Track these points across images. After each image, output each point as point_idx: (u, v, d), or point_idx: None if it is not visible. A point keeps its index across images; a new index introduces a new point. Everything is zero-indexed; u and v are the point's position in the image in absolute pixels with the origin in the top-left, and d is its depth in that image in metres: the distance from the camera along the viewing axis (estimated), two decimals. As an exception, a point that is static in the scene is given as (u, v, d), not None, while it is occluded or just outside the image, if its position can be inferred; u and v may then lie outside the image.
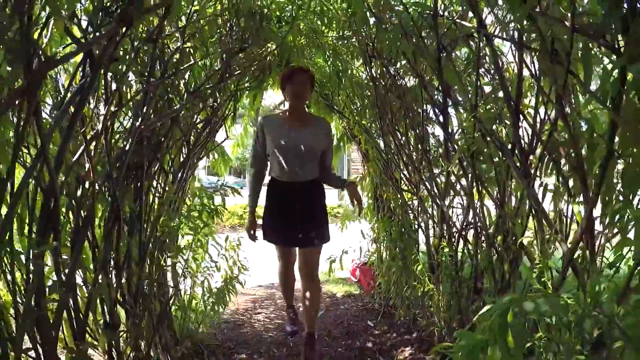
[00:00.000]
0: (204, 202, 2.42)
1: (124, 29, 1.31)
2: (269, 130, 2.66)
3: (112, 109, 1.54)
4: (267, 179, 2.79)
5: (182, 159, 2.45)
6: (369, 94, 3.17)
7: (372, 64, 2.78)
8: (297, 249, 2.82)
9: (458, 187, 2.29)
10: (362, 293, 4.46)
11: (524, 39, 1.50)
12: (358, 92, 3.32)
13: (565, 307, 1.02)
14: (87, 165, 1.44)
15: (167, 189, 2.27)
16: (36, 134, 1.30)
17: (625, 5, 1.03)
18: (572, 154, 1.30)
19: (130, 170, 1.78)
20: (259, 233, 2.79)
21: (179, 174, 2.40)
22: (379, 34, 2.39)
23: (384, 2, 2.12)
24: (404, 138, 2.79)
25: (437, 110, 2.18)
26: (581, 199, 1.29)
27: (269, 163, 2.74)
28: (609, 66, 1.11)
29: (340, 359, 2.82)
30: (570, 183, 1.46)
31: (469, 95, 1.81)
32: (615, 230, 1.35)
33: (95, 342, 1.67)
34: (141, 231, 1.87)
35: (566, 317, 1.04)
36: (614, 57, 1.11)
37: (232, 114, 3.02)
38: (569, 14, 1.15)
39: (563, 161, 1.47)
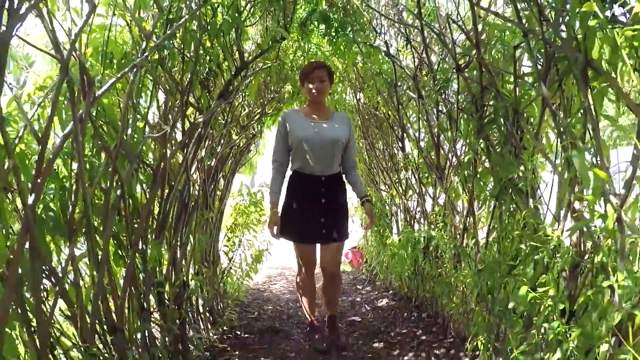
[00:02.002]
0: (250, 195, 3.41)
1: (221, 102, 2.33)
2: (291, 125, 2.60)
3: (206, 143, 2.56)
4: (288, 173, 2.74)
5: (231, 168, 3.47)
6: (357, 118, 4.21)
7: (359, 99, 3.83)
8: (317, 246, 2.69)
9: (415, 187, 3.35)
10: (354, 269, 5.52)
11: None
12: (349, 115, 4.37)
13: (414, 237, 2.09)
14: (195, 175, 2.46)
15: (221, 187, 3.29)
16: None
17: None
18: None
19: (211, 177, 2.81)
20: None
21: (230, 178, 3.42)
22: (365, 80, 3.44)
23: (367, 70, 3.17)
24: (380, 154, 3.85)
25: (398, 138, 3.24)
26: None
27: (291, 157, 2.68)
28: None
29: (339, 309, 3.85)
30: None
31: (415, 133, 2.86)
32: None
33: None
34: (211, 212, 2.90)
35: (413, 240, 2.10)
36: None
37: (259, 135, 4.03)
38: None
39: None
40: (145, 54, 1.54)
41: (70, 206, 1.37)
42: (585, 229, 1.36)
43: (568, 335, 1.38)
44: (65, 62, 1.22)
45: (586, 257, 1.47)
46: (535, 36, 1.49)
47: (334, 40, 3.14)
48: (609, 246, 1.27)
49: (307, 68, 2.63)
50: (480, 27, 1.97)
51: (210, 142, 2.60)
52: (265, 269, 5.62)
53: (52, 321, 1.38)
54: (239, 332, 3.06)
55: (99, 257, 1.43)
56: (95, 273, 1.47)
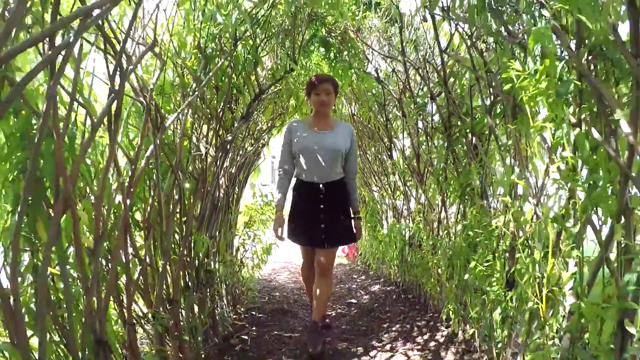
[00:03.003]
0: (263, 196, 3.92)
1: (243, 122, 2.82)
2: (296, 134, 2.66)
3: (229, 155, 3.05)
4: (293, 180, 2.82)
5: (244, 174, 3.96)
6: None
7: (353, 113, 4.33)
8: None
9: (401, 188, 3.86)
10: (350, 262, 6.04)
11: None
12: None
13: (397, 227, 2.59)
14: (222, 181, 2.95)
15: (237, 191, 3.78)
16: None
17: None
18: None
19: (232, 182, 3.30)
20: (285, 233, 2.77)
21: (244, 183, 3.91)
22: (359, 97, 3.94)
23: (360, 89, 3.67)
24: (372, 160, 4.36)
25: (387, 148, 3.75)
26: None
27: (296, 165, 2.74)
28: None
29: (338, 293, 4.36)
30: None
31: (400, 144, 3.37)
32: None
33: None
34: (231, 212, 3.39)
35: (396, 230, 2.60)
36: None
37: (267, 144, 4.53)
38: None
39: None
40: (196, 93, 2.04)
41: (149, 208, 1.85)
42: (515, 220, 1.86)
43: (505, 297, 1.88)
44: (148, 106, 1.71)
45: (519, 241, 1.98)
46: (484, 81, 2.00)
47: (333, 64, 3.64)
48: (531, 233, 1.78)
49: (313, 81, 2.63)
50: (452, 63, 2.49)
51: (231, 154, 3.09)
52: (271, 263, 6.11)
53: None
54: (254, 313, 3.56)
55: (165, 247, 1.92)
56: (160, 261, 1.96)
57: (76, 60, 1.15)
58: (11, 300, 1.09)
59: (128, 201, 1.61)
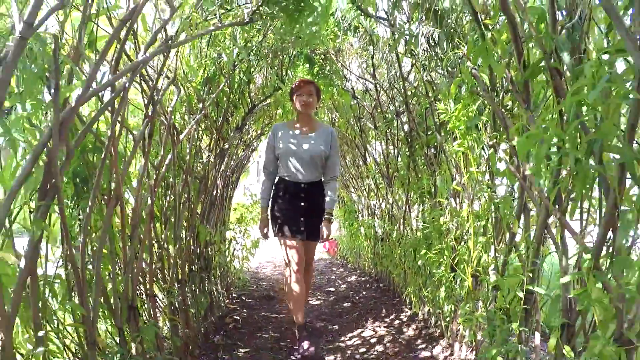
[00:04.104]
0: (252, 195, 4.34)
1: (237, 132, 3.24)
2: (280, 136, 2.75)
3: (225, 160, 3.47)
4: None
5: (236, 176, 4.37)
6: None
7: (334, 122, 4.78)
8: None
9: (375, 190, 4.33)
10: (330, 257, 6.49)
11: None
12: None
13: (369, 222, 3.06)
14: (218, 182, 3.36)
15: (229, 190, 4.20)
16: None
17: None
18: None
19: (226, 181, 3.71)
20: (270, 232, 2.87)
21: (235, 183, 4.33)
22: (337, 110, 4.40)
23: (340, 102, 4.13)
24: (350, 164, 4.82)
25: (362, 154, 4.21)
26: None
27: (279, 165, 2.79)
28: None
29: (318, 283, 4.80)
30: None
31: (373, 152, 3.84)
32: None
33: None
34: (225, 209, 3.80)
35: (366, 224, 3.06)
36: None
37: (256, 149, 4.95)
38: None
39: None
40: (202, 112, 2.46)
41: (167, 203, 2.27)
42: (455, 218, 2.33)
43: (449, 278, 2.35)
44: (169, 124, 2.13)
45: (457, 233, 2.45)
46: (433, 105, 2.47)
47: (316, 79, 4.08)
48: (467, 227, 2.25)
49: (296, 84, 2.75)
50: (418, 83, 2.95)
51: (227, 159, 3.51)
52: (258, 257, 6.50)
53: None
54: (244, 298, 3.98)
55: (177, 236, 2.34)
56: (172, 247, 2.37)
57: (123, 98, 1.57)
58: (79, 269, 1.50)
59: (149, 199, 2.03)
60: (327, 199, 2.78)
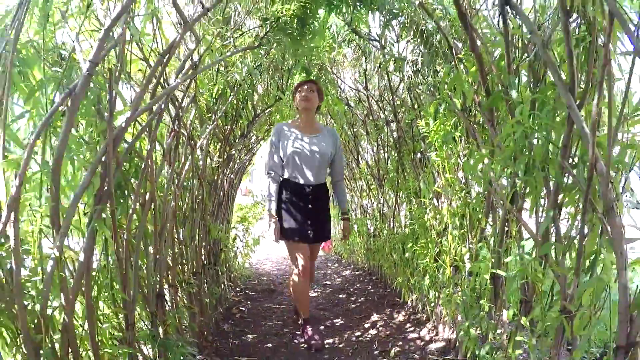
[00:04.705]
0: (253, 196, 4.63)
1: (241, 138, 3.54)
2: (284, 137, 2.72)
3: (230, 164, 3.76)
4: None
5: (238, 178, 4.66)
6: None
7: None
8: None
9: (366, 190, 4.65)
10: (325, 253, 6.81)
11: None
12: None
13: (361, 220, 3.37)
14: (225, 184, 3.65)
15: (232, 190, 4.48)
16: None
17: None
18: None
19: (231, 184, 4.00)
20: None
21: (237, 185, 4.61)
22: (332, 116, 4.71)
23: (334, 110, 4.43)
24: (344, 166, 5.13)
25: (355, 158, 4.52)
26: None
27: (284, 166, 2.76)
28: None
29: (315, 278, 5.10)
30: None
31: (365, 155, 4.15)
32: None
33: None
34: (229, 209, 4.09)
35: (359, 222, 3.38)
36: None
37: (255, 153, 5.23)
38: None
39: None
40: (214, 122, 2.74)
41: (186, 204, 2.56)
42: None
43: (432, 268, 2.67)
44: (188, 135, 2.41)
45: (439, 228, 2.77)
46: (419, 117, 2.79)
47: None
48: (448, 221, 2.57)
49: (299, 83, 2.83)
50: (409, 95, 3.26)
51: (232, 164, 3.80)
52: (257, 255, 6.81)
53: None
54: (247, 291, 4.28)
55: (194, 234, 2.63)
56: (188, 243, 2.66)
57: (159, 119, 1.86)
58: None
59: (172, 202, 2.32)
60: (342, 199, 2.92)
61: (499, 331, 1.96)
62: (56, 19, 1.62)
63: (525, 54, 1.60)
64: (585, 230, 1.34)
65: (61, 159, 1.37)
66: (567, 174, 1.35)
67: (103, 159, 1.53)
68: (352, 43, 4.26)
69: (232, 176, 3.96)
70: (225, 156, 3.31)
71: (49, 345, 1.37)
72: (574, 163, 1.38)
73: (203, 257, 2.97)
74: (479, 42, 1.70)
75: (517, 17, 1.42)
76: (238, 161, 4.08)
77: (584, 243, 1.35)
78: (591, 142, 1.17)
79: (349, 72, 4.20)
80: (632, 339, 1.22)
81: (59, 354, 1.41)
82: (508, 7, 1.36)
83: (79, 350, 1.48)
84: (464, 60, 1.83)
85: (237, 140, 3.52)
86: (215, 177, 3.12)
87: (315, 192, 2.76)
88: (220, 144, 3.25)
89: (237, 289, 4.26)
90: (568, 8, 1.20)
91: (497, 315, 2.00)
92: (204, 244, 3.00)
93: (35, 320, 1.35)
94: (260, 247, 5.27)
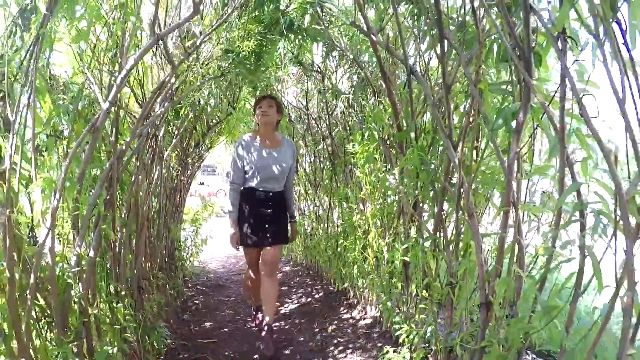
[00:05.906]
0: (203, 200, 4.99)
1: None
2: (246, 148, 2.87)
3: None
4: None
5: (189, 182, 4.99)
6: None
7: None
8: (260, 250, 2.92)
9: (304, 195, 5.22)
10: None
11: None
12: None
13: (299, 221, 3.96)
14: (180, 188, 4.02)
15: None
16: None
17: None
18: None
19: (184, 188, 4.35)
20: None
21: (188, 188, 4.96)
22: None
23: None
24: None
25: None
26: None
27: (245, 176, 2.88)
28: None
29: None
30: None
31: (305, 164, 4.73)
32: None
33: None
34: (182, 211, 4.45)
35: (299, 222, 3.96)
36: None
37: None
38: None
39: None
40: (177, 136, 3.15)
41: (154, 208, 2.94)
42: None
43: (359, 259, 3.29)
44: (159, 150, 2.82)
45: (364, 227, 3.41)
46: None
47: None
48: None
49: (257, 99, 2.96)
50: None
51: (187, 170, 4.18)
52: (203, 254, 7.09)
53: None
54: (198, 286, 4.66)
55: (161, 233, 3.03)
56: (156, 242, 3.05)
57: (144, 141, 2.27)
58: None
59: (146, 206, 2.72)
60: (291, 204, 3.11)
61: (410, 305, 2.62)
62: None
63: (427, 103, 2.26)
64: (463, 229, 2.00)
65: (83, 177, 1.77)
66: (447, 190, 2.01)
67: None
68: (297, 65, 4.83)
69: (186, 181, 4.33)
70: (182, 164, 3.71)
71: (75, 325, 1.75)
72: (452, 182, 2.05)
73: (167, 254, 3.36)
74: (394, 91, 2.33)
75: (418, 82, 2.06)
76: (191, 167, 4.45)
77: (460, 237, 2.00)
78: (459, 170, 1.82)
79: (292, 89, 4.73)
80: (488, 298, 1.89)
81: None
82: (412, 75, 1.98)
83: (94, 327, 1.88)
84: (383, 102, 2.46)
85: (191, 150, 3.91)
86: (175, 183, 3.50)
87: (275, 199, 2.96)
88: (178, 153, 3.64)
89: (190, 285, 4.63)
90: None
91: (407, 292, 2.65)
92: (164, 243, 3.38)
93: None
94: (207, 247, 5.64)
